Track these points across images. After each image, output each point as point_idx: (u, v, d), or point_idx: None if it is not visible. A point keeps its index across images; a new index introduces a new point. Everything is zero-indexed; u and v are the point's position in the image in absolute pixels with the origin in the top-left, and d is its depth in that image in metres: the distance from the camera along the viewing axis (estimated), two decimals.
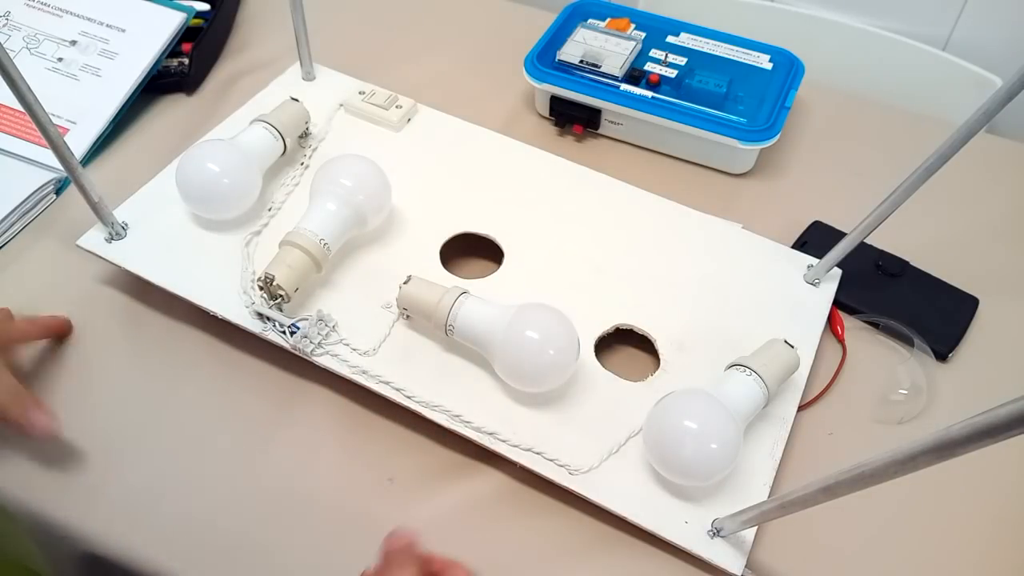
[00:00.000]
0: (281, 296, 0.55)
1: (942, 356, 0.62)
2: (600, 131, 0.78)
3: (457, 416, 0.53)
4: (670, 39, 0.81)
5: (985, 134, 0.84)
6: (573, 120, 0.78)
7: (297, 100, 0.68)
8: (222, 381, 0.59)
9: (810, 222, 0.70)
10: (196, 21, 0.83)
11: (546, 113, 0.79)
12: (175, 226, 0.63)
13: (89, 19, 0.81)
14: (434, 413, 0.53)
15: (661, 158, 0.77)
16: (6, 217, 0.66)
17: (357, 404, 0.57)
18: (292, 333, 0.55)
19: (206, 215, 0.62)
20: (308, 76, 0.76)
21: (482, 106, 0.79)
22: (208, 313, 0.58)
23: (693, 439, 0.48)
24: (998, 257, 0.70)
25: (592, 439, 0.53)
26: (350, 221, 0.59)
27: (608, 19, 0.82)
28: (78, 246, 0.60)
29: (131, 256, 0.60)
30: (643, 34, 0.81)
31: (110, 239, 0.61)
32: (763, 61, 0.79)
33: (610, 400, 0.55)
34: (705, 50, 0.80)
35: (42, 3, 0.81)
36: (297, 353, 0.56)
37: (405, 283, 0.56)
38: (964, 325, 0.63)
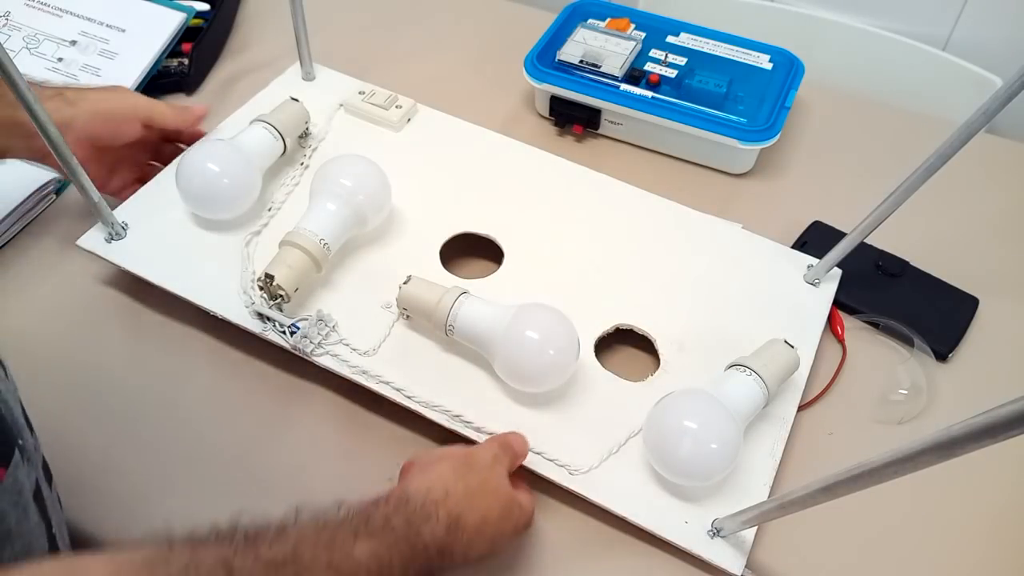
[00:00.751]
0: (281, 296, 0.55)
1: (942, 356, 0.62)
2: (600, 131, 0.78)
3: (457, 416, 0.53)
4: (670, 39, 0.81)
5: (985, 134, 0.84)
6: (573, 120, 0.77)
7: (297, 100, 0.68)
8: (222, 381, 0.59)
9: (810, 222, 0.70)
10: (196, 21, 0.83)
11: (546, 113, 0.79)
12: (175, 226, 0.63)
13: (89, 19, 0.81)
14: (434, 413, 0.53)
15: (661, 158, 0.77)
16: (6, 217, 0.66)
17: (357, 404, 0.57)
18: (292, 333, 0.55)
19: (206, 215, 0.62)
20: (308, 76, 0.76)
21: (482, 106, 0.79)
22: (208, 313, 0.58)
23: (693, 439, 0.48)
24: (998, 257, 0.70)
25: (592, 439, 0.53)
26: (350, 221, 0.59)
27: (608, 19, 0.82)
28: (78, 246, 0.60)
29: (131, 256, 0.60)
30: (643, 34, 0.81)
31: (110, 239, 0.61)
32: (763, 61, 0.79)
33: (610, 400, 0.55)
34: (705, 50, 0.80)
35: (42, 3, 0.81)
36: (297, 353, 0.56)
37: (405, 283, 0.56)
38: (964, 325, 0.63)
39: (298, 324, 0.55)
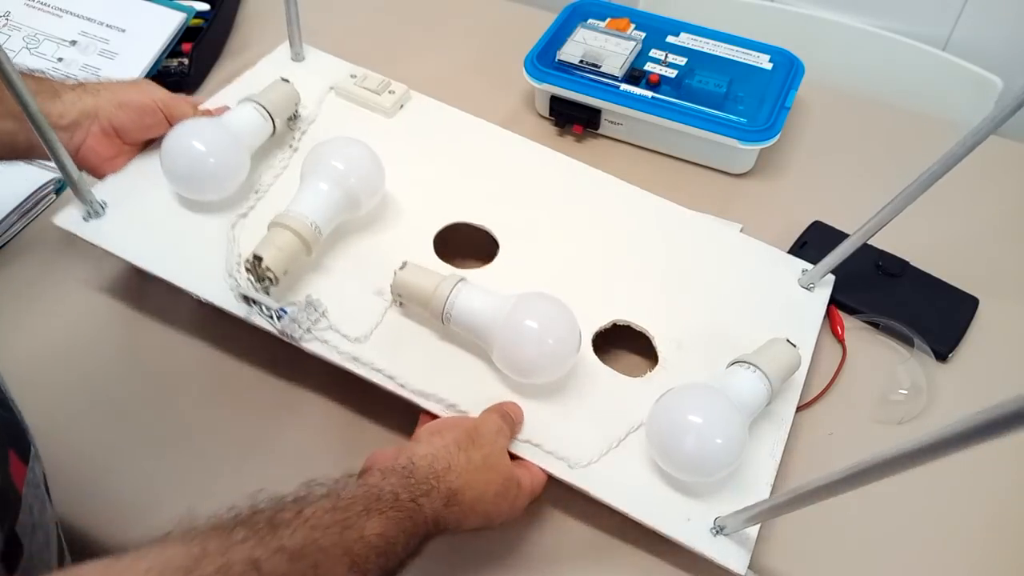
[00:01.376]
0: (269, 279, 0.53)
1: (942, 356, 0.62)
2: (600, 131, 0.78)
3: (452, 405, 0.52)
4: (670, 39, 0.81)
5: None
6: (573, 120, 0.77)
7: (287, 81, 0.66)
8: (218, 387, 0.58)
9: (810, 222, 0.70)
10: (196, 21, 0.83)
11: (546, 113, 0.79)
12: (158, 206, 0.60)
13: (89, 19, 0.81)
14: (428, 402, 0.52)
15: (661, 158, 0.77)
16: (6, 217, 0.66)
17: (352, 411, 0.57)
18: (279, 317, 0.53)
19: (191, 196, 0.60)
20: (297, 57, 0.74)
21: (482, 106, 0.79)
22: (199, 301, 0.56)
23: (697, 433, 0.48)
24: (998, 257, 0.70)
25: (592, 433, 0.52)
26: (342, 204, 0.57)
27: (608, 19, 0.82)
28: (54, 224, 0.57)
29: (109, 236, 0.57)
30: (643, 34, 0.81)
31: (88, 217, 0.58)
32: (763, 61, 0.79)
33: (610, 395, 0.55)
34: (705, 50, 0.80)
35: (42, 3, 0.81)
36: (284, 339, 0.54)
37: (400, 269, 0.55)
38: (964, 325, 0.63)
39: (286, 308, 0.53)
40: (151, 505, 0.52)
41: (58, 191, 0.70)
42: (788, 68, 0.78)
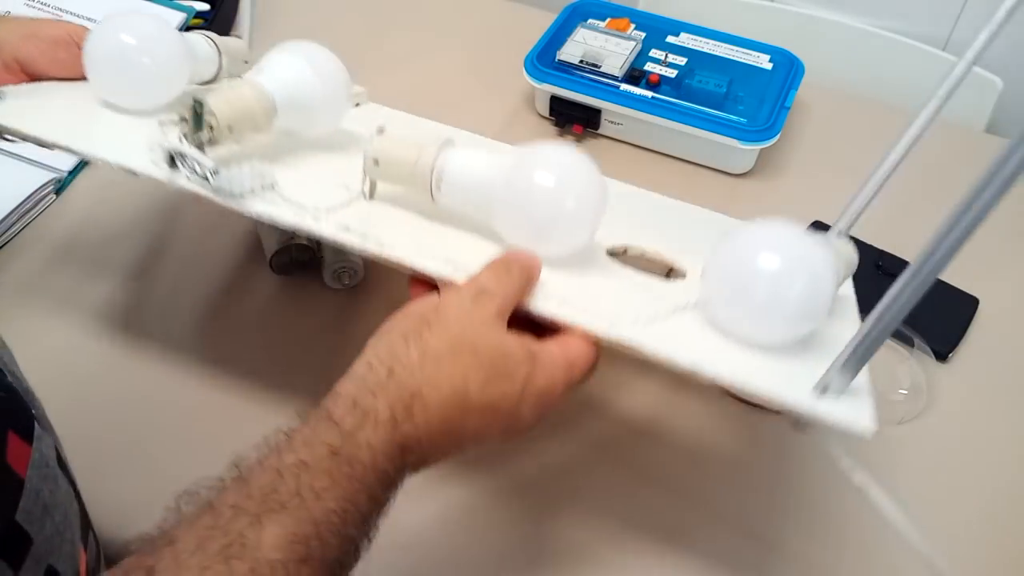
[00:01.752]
0: (211, 126, 0.42)
1: (942, 356, 0.62)
2: (600, 131, 0.78)
3: (451, 261, 0.41)
4: (670, 39, 0.81)
5: (985, 134, 0.84)
6: (573, 120, 0.77)
7: (241, 38, 0.60)
8: (215, 393, 0.58)
9: (810, 222, 0.70)
10: (196, 21, 0.83)
11: (546, 113, 0.79)
12: (70, 100, 0.52)
13: (89, 19, 0.81)
14: (419, 258, 0.41)
15: (661, 158, 0.77)
16: (6, 217, 0.66)
17: None
18: (214, 175, 0.42)
19: (115, 96, 0.52)
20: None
21: (482, 106, 0.79)
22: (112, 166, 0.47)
23: (784, 264, 0.41)
24: (998, 257, 0.69)
25: (630, 303, 0.42)
26: (300, 104, 0.49)
27: (608, 19, 0.82)
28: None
29: (5, 114, 0.49)
30: (643, 34, 0.81)
31: None
32: (763, 61, 0.79)
33: (640, 283, 0.45)
34: (705, 50, 0.80)
35: (42, 3, 0.81)
36: (219, 201, 0.43)
37: (379, 134, 0.44)
38: (964, 325, 0.63)
39: (223, 168, 0.42)
40: (146, 507, 0.52)
41: (58, 191, 0.70)
42: (788, 68, 0.78)
